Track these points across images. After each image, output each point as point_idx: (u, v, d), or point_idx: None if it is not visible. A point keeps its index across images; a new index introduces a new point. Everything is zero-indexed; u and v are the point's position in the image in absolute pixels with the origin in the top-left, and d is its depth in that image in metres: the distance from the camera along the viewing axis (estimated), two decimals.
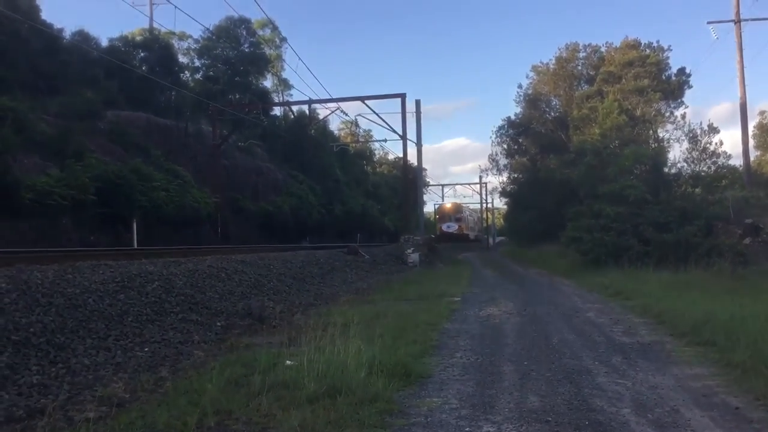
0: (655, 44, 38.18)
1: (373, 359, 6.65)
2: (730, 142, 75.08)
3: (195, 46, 43.63)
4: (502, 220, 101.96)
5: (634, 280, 16.93)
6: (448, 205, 71.39)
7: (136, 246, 22.63)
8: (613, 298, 14.51)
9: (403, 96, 32.06)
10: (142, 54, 38.44)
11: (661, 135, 35.53)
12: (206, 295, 11.43)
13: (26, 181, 19.73)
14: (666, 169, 26.76)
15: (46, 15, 34.77)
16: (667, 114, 37.13)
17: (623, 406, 5.66)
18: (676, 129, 36.80)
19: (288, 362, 6.88)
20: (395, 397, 5.87)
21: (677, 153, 54.09)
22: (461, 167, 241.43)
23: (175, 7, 26.47)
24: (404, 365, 6.79)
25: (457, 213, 69.53)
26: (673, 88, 37.09)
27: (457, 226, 67.11)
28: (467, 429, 5.11)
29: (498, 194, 65.53)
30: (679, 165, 26.38)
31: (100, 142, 28.00)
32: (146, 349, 7.94)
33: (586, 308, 12.87)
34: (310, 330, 8.17)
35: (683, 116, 35.27)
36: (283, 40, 51.60)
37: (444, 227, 66.90)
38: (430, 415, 5.48)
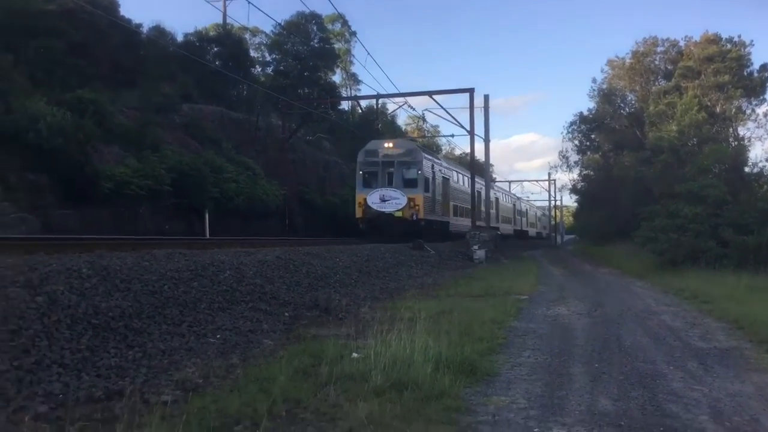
0: (736, 39, 36.50)
1: (439, 355, 6.63)
2: None
3: (266, 41, 44.53)
4: (571, 218, 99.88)
5: (711, 282, 16.29)
6: (388, 144, 30.28)
7: (208, 235, 23.30)
8: (689, 300, 13.99)
9: (471, 91, 31.68)
10: (215, 49, 39.42)
11: (741, 133, 34.23)
12: (275, 286, 11.63)
13: (106, 171, 20.58)
14: (747, 169, 25.67)
15: (124, 10, 36.07)
16: (749, 111, 35.62)
17: (700, 413, 5.46)
18: (757, 127, 35.43)
19: (354, 355, 6.92)
20: (462, 394, 5.82)
21: (759, 152, 51.87)
22: (528, 163, 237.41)
23: (249, 2, 26.94)
24: (471, 362, 6.73)
25: (407, 166, 28.96)
26: (755, 85, 35.38)
27: (403, 201, 27.88)
28: (536, 430, 5.01)
29: (568, 191, 63.08)
30: (760, 164, 25.30)
31: (176, 134, 28.95)
32: (218, 336, 8.14)
33: (661, 311, 12.46)
34: (376, 323, 8.21)
35: (765, 114, 33.80)
36: (353, 34, 51.97)
37: (371, 200, 28.34)
38: (498, 413, 5.40)
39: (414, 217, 27.67)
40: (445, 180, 32.61)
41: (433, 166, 30.65)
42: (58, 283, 7.32)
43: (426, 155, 30.35)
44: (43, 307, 6.64)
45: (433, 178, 30.28)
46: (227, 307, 9.46)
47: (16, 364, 5.58)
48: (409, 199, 27.67)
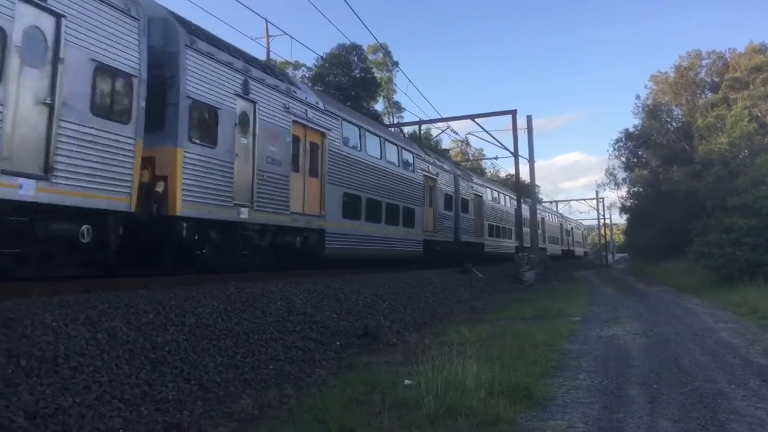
0: None
1: (492, 380, 6.57)
2: None
3: (308, 74, 45.36)
4: (621, 236, 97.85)
5: None
6: None
7: None
8: (747, 317, 13.55)
9: (513, 112, 31.62)
10: None
11: None
12: (325, 315, 11.72)
13: None
14: None
15: None
16: None
17: None
18: None
19: (407, 381, 6.92)
20: (517, 420, 5.75)
21: None
22: (573, 182, 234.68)
23: (291, 38, 27.78)
24: (525, 386, 6.65)
25: None
26: None
27: None
28: None
29: (617, 209, 62.09)
30: None
31: None
32: (271, 367, 8.23)
33: (719, 328, 12.09)
34: (427, 349, 8.19)
35: None
36: (395, 64, 52.39)
37: None
38: None
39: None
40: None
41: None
42: (116, 319, 7.53)
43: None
44: (102, 344, 6.84)
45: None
46: (279, 338, 9.56)
47: (78, 400, 5.75)
48: None
